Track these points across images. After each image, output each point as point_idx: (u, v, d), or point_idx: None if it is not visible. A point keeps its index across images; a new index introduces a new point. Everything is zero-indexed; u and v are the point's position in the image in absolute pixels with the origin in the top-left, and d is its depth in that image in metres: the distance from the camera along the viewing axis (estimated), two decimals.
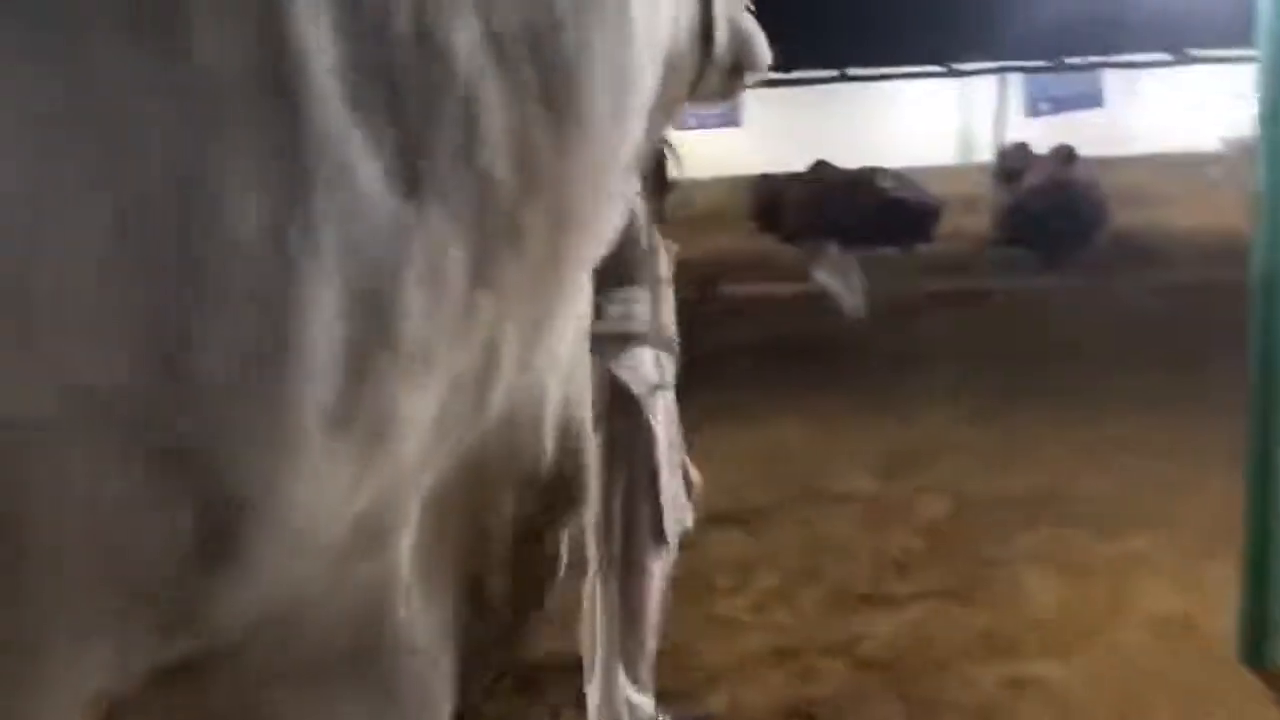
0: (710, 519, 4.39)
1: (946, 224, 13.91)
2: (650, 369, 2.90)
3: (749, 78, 1.46)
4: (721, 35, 1.35)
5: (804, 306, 10.02)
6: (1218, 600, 3.38)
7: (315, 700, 0.97)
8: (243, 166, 0.71)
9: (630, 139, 1.03)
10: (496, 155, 0.86)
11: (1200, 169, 14.00)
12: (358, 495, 0.86)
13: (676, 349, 3.03)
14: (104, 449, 0.70)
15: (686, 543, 4.01)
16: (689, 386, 6.57)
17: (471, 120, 0.84)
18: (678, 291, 3.02)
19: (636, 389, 2.83)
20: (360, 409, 0.82)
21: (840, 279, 9.41)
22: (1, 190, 0.64)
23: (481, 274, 0.89)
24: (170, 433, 0.72)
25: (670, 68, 1.15)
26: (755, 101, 18.19)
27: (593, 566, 2.89)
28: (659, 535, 2.89)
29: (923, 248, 13.58)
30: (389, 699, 1.04)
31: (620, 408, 2.81)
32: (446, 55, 0.81)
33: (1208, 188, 13.85)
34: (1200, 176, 13.92)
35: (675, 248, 3.53)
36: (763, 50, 1.46)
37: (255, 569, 0.79)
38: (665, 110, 1.23)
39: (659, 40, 1.10)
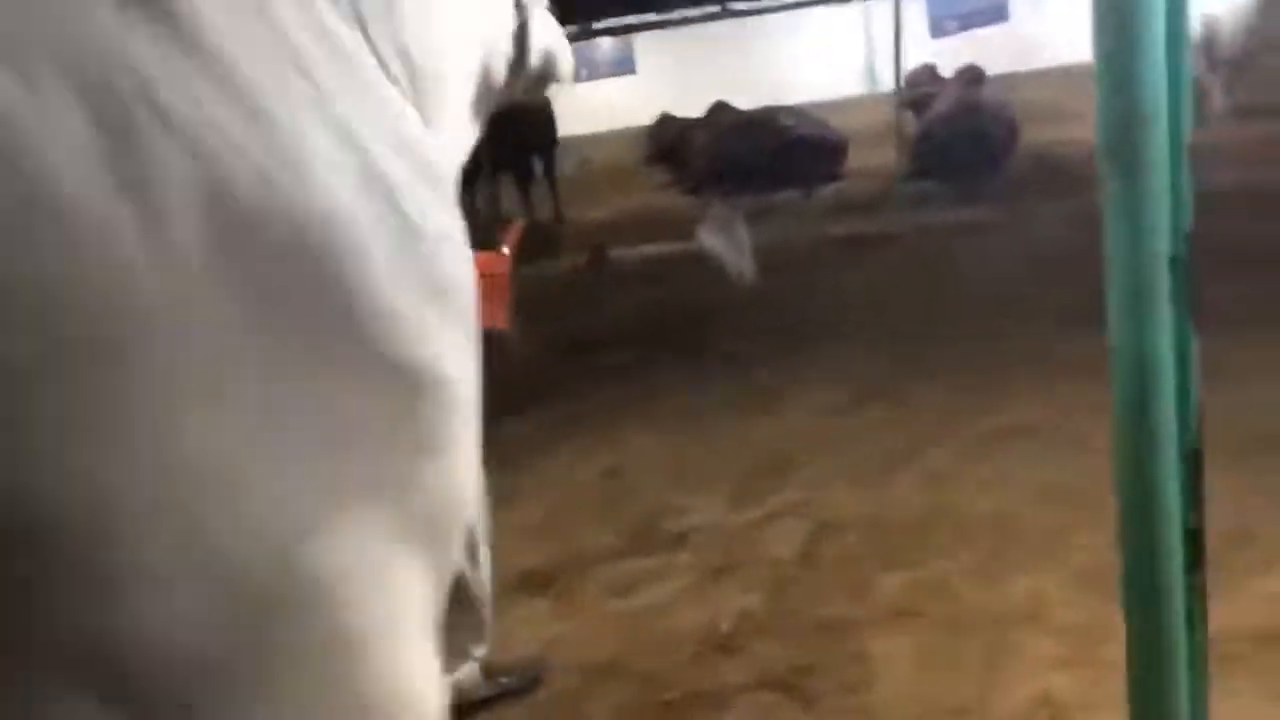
0: (512, 586, 3.57)
1: (854, 160, 13.09)
2: None
3: (555, 86, 1.73)
4: (534, 61, 1.61)
5: (698, 268, 9.18)
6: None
7: None
8: None
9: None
10: None
11: None
12: None
13: None
14: None
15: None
16: (546, 395, 5.69)
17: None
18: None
19: None
20: None
21: (725, 238, 8.54)
22: None
23: None
24: None
25: (485, 83, 1.38)
26: (649, 47, 17.24)
27: None
28: None
29: (828, 188, 12.79)
30: None
31: None
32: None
33: None
34: None
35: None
36: (567, 63, 1.70)
37: None
38: (480, 111, 1.44)
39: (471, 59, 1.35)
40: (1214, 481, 3.39)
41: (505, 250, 6.55)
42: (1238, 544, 3.24)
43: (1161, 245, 2.29)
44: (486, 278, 5.52)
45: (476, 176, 12.90)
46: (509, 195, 12.98)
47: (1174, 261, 2.25)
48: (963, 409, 4.85)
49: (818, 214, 11.92)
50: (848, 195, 12.54)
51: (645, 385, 5.92)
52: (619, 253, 10.90)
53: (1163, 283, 2.26)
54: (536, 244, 11.71)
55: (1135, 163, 2.24)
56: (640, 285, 9.17)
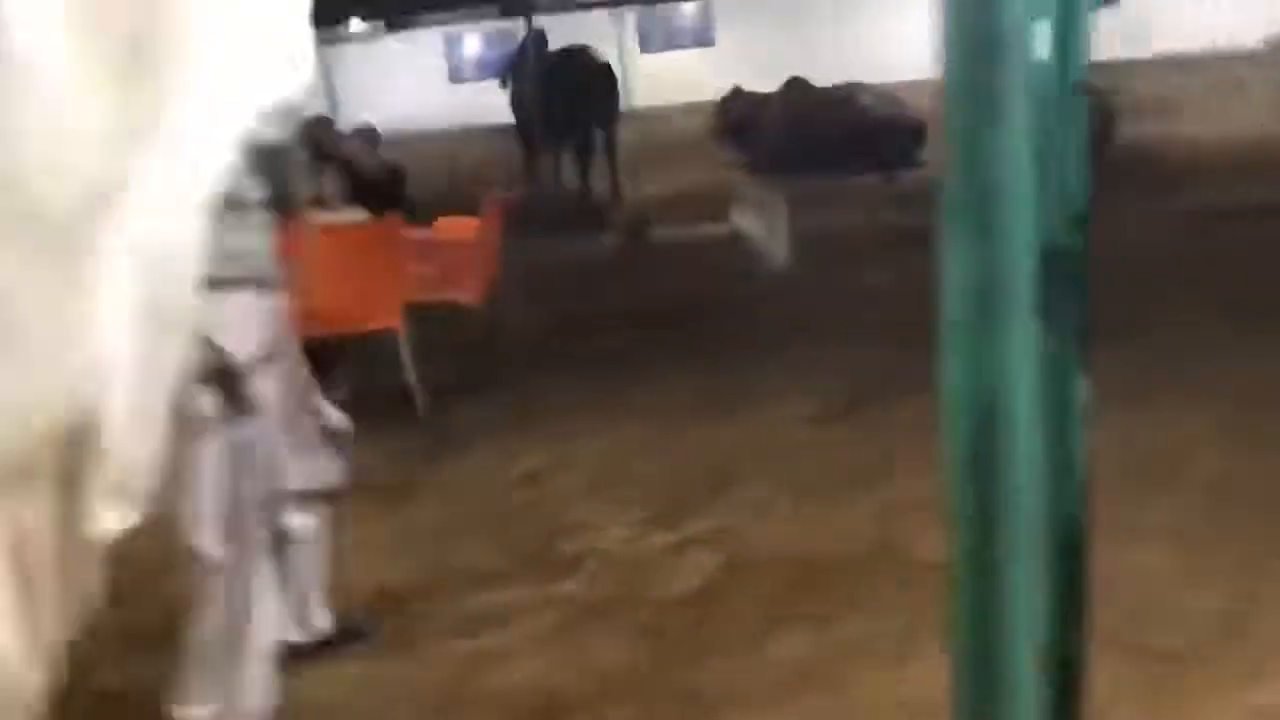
0: (355, 607, 3.00)
1: (938, 146, 12.21)
2: (260, 320, 2.48)
3: None
4: None
5: (740, 252, 8.49)
6: None
7: None
8: None
9: None
10: None
11: (1230, 71, 12.13)
12: None
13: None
14: None
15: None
16: (508, 379, 5.06)
17: None
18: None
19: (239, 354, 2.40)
20: None
21: (761, 221, 7.84)
22: None
23: None
24: None
25: None
26: (730, 17, 16.47)
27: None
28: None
29: (907, 174, 11.96)
30: None
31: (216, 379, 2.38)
32: None
33: (1238, 92, 11.96)
34: (1230, 80, 12.05)
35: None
36: None
37: None
38: None
39: None
40: (1209, 553, 2.64)
41: (479, 220, 5.97)
42: (1228, 635, 2.52)
43: (1025, 232, 1.60)
44: (453, 246, 4.80)
45: (537, 147, 12.39)
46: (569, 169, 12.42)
47: (1052, 257, 1.58)
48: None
49: (890, 201, 11.11)
50: (927, 183, 11.70)
51: (618, 377, 5.30)
52: (669, 231, 10.26)
53: (1020, 290, 1.57)
54: (587, 218, 11.18)
55: (986, 107, 1.54)
56: (676, 267, 8.52)
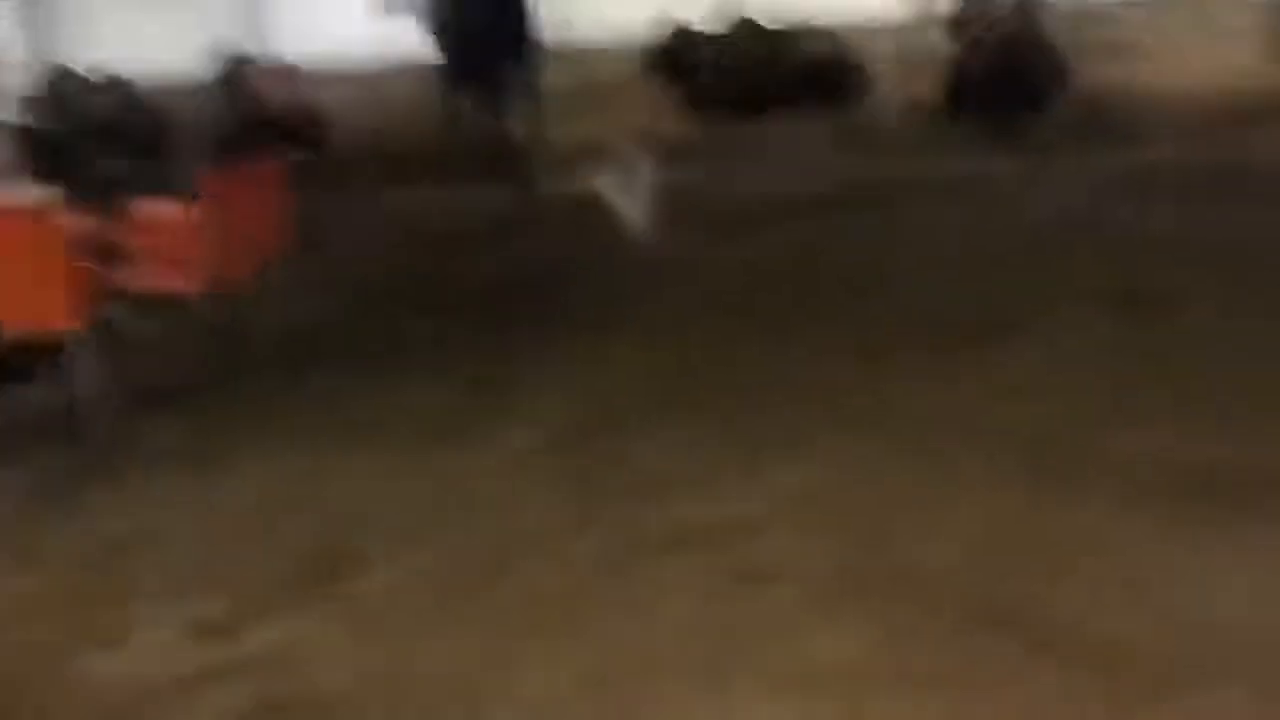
0: None
1: (898, 92, 11.25)
2: None
3: None
4: None
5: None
6: None
7: None
8: None
9: None
10: None
11: (1206, 16, 11.00)
12: None
13: None
14: None
15: None
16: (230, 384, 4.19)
17: None
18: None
19: None
20: None
21: (622, 183, 6.90)
22: None
23: None
24: None
25: None
26: None
27: None
28: None
29: (853, 120, 11.04)
30: None
31: None
32: None
33: (1213, 38, 10.85)
34: (1205, 25, 10.94)
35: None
36: None
37: None
38: None
39: None
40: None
41: (196, 201, 5.04)
42: None
43: None
44: (157, 229, 3.78)
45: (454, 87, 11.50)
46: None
47: None
48: (672, 481, 3.28)
49: (826, 149, 10.13)
50: (868, 130, 10.73)
51: (356, 388, 4.47)
52: (566, 184, 9.36)
53: None
54: (498, 167, 10.28)
55: None
56: (541, 230, 7.60)
